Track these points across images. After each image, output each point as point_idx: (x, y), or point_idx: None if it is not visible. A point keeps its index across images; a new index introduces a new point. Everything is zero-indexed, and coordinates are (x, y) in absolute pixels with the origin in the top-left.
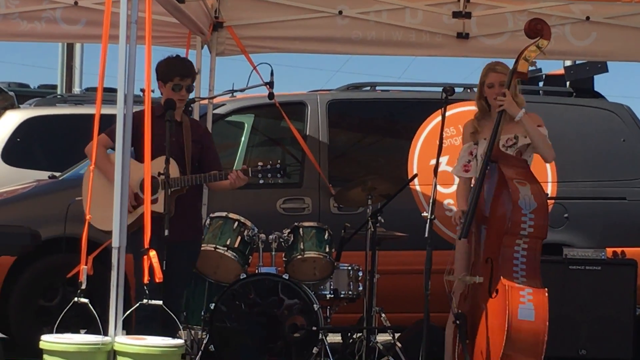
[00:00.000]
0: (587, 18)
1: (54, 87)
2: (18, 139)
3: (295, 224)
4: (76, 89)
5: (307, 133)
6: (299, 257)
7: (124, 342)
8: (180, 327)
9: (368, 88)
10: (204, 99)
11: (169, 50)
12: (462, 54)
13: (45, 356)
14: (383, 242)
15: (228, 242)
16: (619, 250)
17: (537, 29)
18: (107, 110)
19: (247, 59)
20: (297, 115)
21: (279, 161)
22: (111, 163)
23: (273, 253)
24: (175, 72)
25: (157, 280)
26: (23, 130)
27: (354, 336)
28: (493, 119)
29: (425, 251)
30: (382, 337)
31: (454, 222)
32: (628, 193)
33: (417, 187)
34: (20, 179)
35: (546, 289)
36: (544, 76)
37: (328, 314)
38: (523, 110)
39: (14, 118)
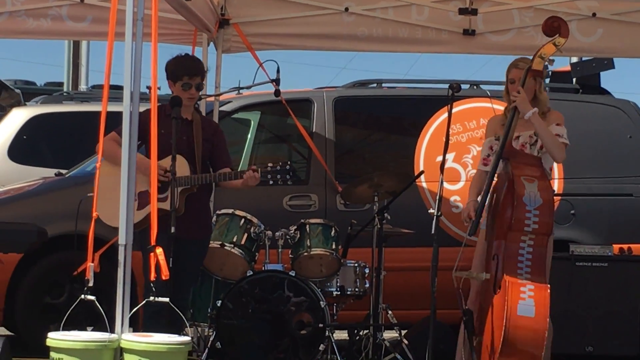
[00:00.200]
0: (594, 14)
1: (60, 84)
2: (24, 137)
3: (302, 220)
4: (82, 87)
5: (314, 130)
6: (306, 254)
7: (131, 339)
8: (187, 324)
9: (374, 85)
10: (210, 96)
11: (175, 47)
12: (468, 51)
13: (51, 353)
14: (389, 238)
15: (235, 239)
16: (625, 246)
17: (554, 26)
18: (113, 107)
19: (253, 56)
20: (304, 112)
21: (288, 162)
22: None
23: (279, 250)
24: (184, 71)
25: (163, 278)
26: (29, 127)
27: (361, 333)
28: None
29: (432, 248)
30: (389, 334)
31: (464, 218)
32: (634, 189)
33: (424, 184)
34: (27, 176)
35: (549, 285)
36: (550, 73)
37: (335, 311)
38: (535, 110)
39: (21, 115)
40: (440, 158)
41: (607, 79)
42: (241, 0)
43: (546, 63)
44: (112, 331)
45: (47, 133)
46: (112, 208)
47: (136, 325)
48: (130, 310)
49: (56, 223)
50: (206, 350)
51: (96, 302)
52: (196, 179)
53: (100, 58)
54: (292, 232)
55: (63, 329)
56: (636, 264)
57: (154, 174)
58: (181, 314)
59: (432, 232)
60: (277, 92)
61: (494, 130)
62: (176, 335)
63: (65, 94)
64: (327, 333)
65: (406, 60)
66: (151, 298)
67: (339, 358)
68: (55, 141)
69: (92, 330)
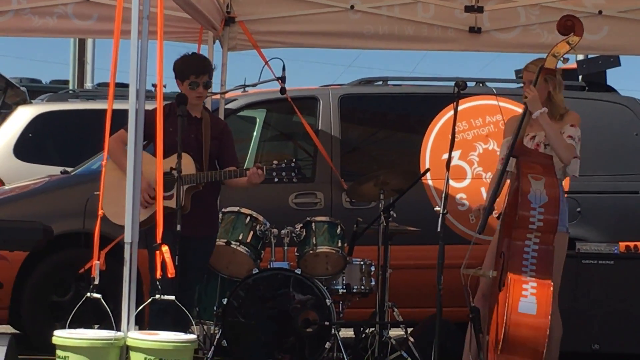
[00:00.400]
0: (600, 12)
1: (66, 82)
2: (30, 134)
3: (308, 218)
4: (88, 84)
5: (319, 128)
6: (312, 252)
7: (137, 337)
8: (193, 322)
9: (380, 83)
10: (215, 94)
11: (181, 45)
12: (474, 49)
13: (57, 351)
14: (395, 236)
15: (240, 237)
16: (631, 244)
17: (567, 25)
18: (119, 105)
19: (259, 53)
20: (309, 110)
21: (293, 160)
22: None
23: (285, 248)
24: (190, 70)
25: (169, 276)
26: (35, 125)
27: (367, 331)
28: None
29: (438, 246)
30: (395, 332)
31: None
32: None
33: (430, 182)
34: (32, 174)
35: (552, 283)
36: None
37: (340, 309)
38: (544, 110)
39: (26, 113)
40: (446, 156)
41: (613, 77)
42: None
43: (562, 63)
44: (118, 329)
45: (52, 131)
46: (117, 206)
47: (142, 323)
48: (137, 308)
49: (62, 221)
50: (212, 348)
51: (102, 300)
52: (201, 177)
53: (106, 56)
54: (297, 230)
55: (69, 327)
56: None
57: (159, 172)
58: (187, 312)
59: (438, 229)
60: (282, 90)
61: (511, 130)
62: (182, 333)
63: (70, 91)
64: (333, 331)
65: (412, 57)
66: (157, 296)
67: (344, 356)
68: (60, 139)
69: (98, 328)
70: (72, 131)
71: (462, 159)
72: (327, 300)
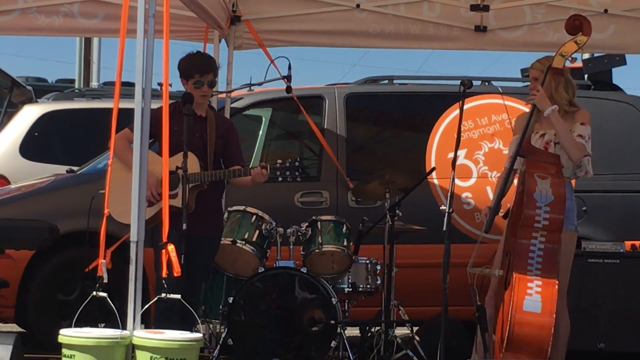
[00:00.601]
0: (605, 11)
1: (72, 81)
2: (36, 133)
3: (313, 217)
4: (94, 83)
5: (325, 127)
6: (317, 250)
7: (143, 336)
8: (199, 321)
9: (386, 81)
10: (221, 93)
11: (186, 44)
12: (479, 47)
13: (64, 350)
14: (401, 235)
15: (246, 236)
16: (637, 243)
17: (575, 25)
18: (124, 104)
19: (265, 52)
20: (315, 108)
21: (297, 159)
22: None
23: (291, 247)
24: (195, 69)
25: (175, 274)
26: (41, 124)
27: (372, 330)
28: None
29: (443, 245)
30: (401, 331)
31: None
32: None
33: (435, 181)
34: (38, 173)
35: (557, 282)
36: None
37: (346, 308)
38: (554, 107)
39: (32, 112)
40: (451, 155)
41: (619, 75)
42: None
43: (570, 62)
44: (124, 328)
45: (58, 130)
46: (123, 205)
47: (148, 321)
48: (142, 307)
49: (68, 220)
50: (218, 347)
51: (108, 298)
52: (205, 176)
53: (112, 55)
54: (303, 228)
55: (75, 326)
56: None
57: (165, 171)
58: (193, 311)
59: (444, 228)
60: (288, 89)
61: (520, 128)
62: (188, 332)
63: (76, 90)
64: (338, 330)
65: (418, 56)
66: (163, 295)
67: (350, 355)
68: (66, 138)
69: (104, 327)
70: (78, 130)
71: (468, 158)
72: (333, 299)
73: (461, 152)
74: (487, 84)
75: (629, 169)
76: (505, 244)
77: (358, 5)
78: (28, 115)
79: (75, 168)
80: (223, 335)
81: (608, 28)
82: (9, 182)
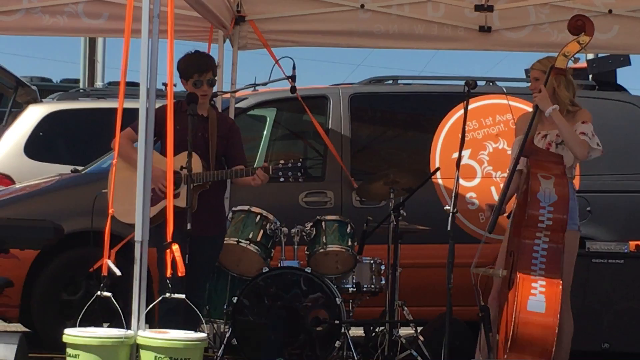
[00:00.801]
0: (610, 11)
1: (77, 81)
2: (40, 133)
3: (318, 217)
4: (98, 83)
5: (329, 127)
6: (322, 250)
7: (147, 335)
8: (203, 321)
9: (390, 81)
10: (226, 93)
11: (191, 44)
12: (484, 48)
13: (68, 350)
14: (405, 235)
15: (250, 236)
16: None
17: (577, 25)
18: (129, 104)
19: (269, 52)
20: (319, 108)
21: (300, 159)
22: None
23: (295, 247)
24: (193, 69)
25: (179, 274)
26: (45, 124)
27: (377, 330)
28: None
29: (448, 245)
30: (405, 331)
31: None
32: None
33: (440, 181)
34: (43, 173)
35: (561, 281)
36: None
37: (350, 308)
38: (555, 107)
39: (37, 112)
40: (456, 155)
41: (623, 76)
42: None
43: (572, 62)
44: (128, 327)
45: (63, 130)
46: (126, 205)
47: (152, 321)
48: (147, 306)
49: (72, 220)
50: (222, 347)
51: (112, 298)
52: (208, 176)
53: (116, 55)
54: (307, 228)
55: (79, 326)
56: None
57: (169, 170)
58: (197, 311)
59: (448, 229)
60: (292, 89)
61: (522, 129)
62: (192, 332)
63: (81, 90)
64: (342, 329)
65: (422, 56)
66: (167, 294)
67: (354, 354)
68: (71, 138)
69: (109, 326)
70: (82, 130)
71: (472, 158)
72: (337, 299)
73: (465, 152)
74: (491, 84)
75: (634, 169)
76: (508, 244)
77: (362, 6)
78: (33, 115)
79: (79, 168)
80: (227, 335)
81: (612, 28)
82: (13, 182)
